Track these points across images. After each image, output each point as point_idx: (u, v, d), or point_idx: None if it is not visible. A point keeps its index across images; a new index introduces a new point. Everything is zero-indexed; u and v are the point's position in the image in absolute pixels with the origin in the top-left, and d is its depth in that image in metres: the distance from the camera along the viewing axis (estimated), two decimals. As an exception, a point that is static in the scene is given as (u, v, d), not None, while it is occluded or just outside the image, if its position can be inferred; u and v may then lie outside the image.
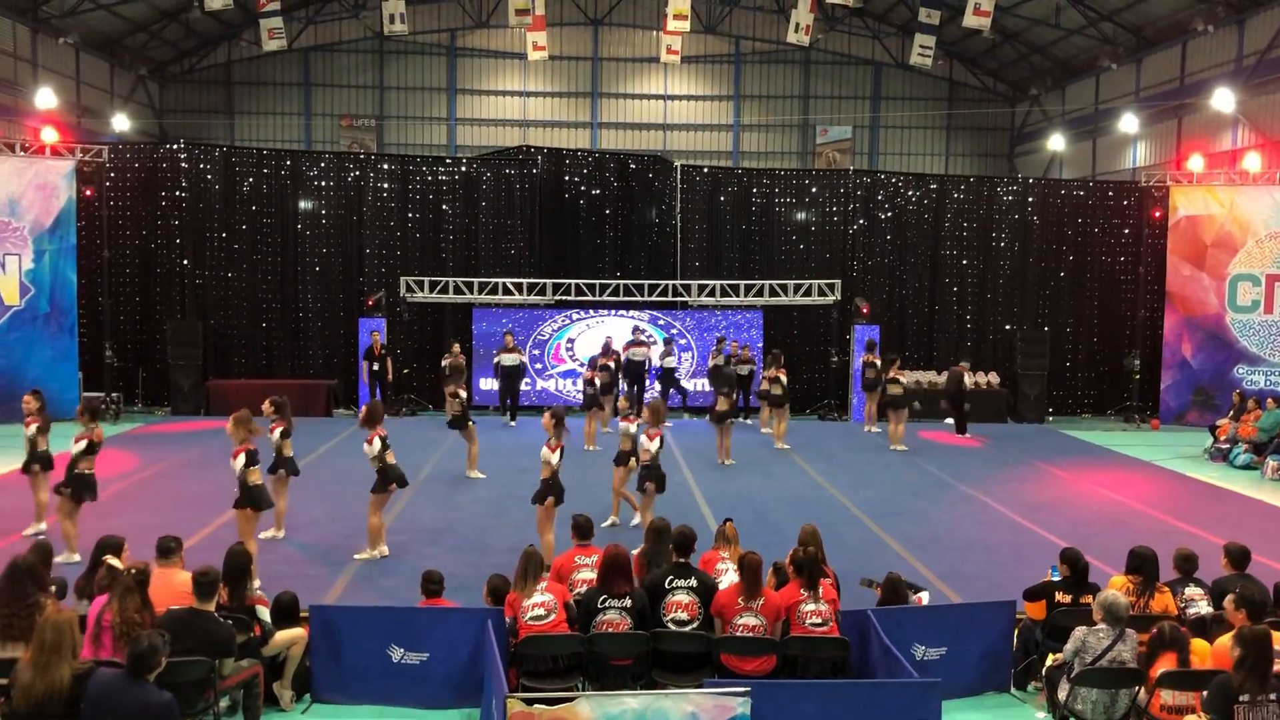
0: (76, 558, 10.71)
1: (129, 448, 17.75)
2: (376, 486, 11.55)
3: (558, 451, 11.51)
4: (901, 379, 19.87)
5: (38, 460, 12.16)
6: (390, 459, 11.61)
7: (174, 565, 8.16)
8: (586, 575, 8.88)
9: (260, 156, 23.88)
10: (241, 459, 10.62)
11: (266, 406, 12.20)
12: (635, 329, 22.76)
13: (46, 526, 12.11)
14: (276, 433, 12.03)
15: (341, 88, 41.69)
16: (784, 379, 19.46)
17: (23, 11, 30.09)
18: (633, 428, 12.90)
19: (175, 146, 23.28)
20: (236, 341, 23.13)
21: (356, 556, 11.58)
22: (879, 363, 20.80)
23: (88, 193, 21.58)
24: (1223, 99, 25.92)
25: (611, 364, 20.33)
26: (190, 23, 36.68)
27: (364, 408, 12.09)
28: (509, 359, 21.41)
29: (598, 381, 19.64)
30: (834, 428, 22.29)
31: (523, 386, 22.17)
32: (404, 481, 11.86)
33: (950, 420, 21.67)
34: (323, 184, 23.60)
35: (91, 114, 33.82)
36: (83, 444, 11.31)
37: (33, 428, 12.18)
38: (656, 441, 12.39)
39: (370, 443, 11.49)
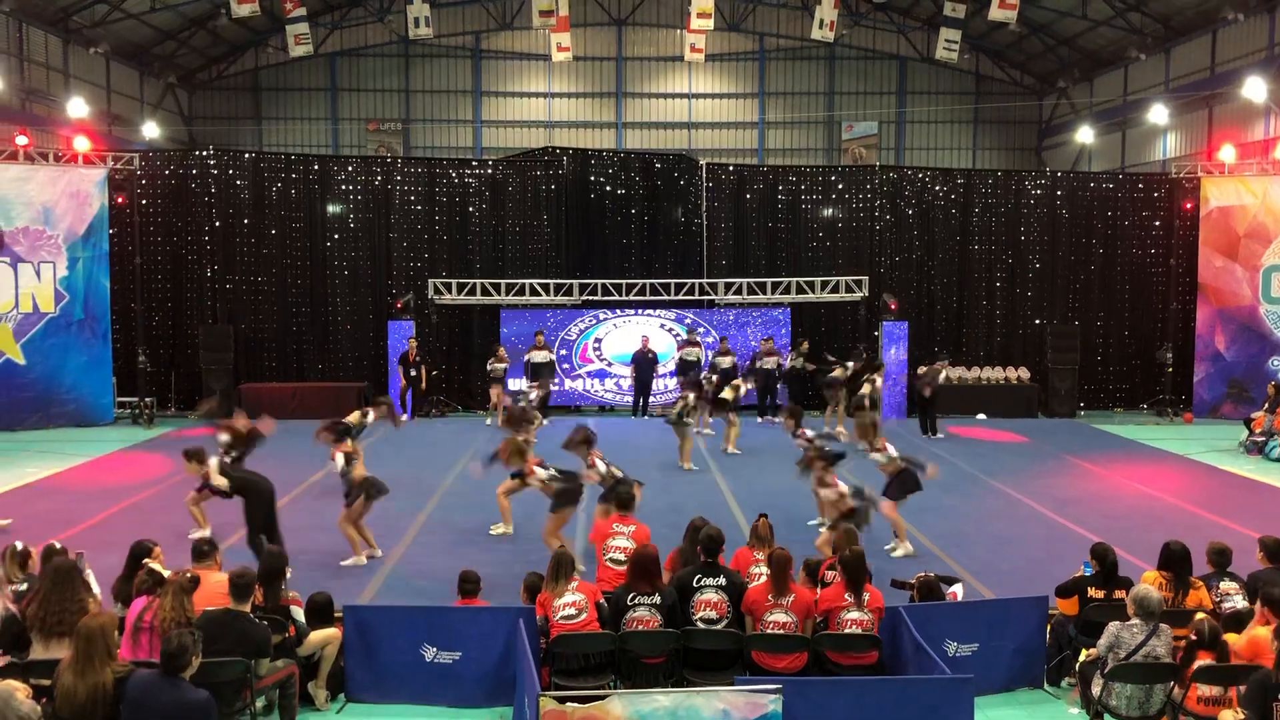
0: (364, 559, 11.42)
1: (162, 451, 17.96)
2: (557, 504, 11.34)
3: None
4: (877, 380, 19.66)
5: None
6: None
7: (210, 567, 8.27)
8: (622, 543, 9.31)
9: (288, 162, 24.08)
10: (540, 473, 11.34)
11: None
12: (690, 329, 22.97)
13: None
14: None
15: (368, 92, 41.90)
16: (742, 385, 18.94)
17: (53, 22, 30.49)
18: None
19: (205, 153, 23.54)
20: (267, 345, 23.33)
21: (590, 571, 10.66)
22: (851, 365, 20.49)
23: (119, 200, 21.82)
24: (1254, 88, 25.56)
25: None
26: (218, 30, 36.98)
27: (507, 412, 12.81)
28: (539, 356, 21.61)
29: (534, 395, 18.51)
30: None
31: (552, 386, 22.21)
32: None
33: (981, 415, 21.53)
34: (350, 188, 23.76)
35: (122, 122, 34.20)
36: (340, 457, 11.64)
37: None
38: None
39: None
